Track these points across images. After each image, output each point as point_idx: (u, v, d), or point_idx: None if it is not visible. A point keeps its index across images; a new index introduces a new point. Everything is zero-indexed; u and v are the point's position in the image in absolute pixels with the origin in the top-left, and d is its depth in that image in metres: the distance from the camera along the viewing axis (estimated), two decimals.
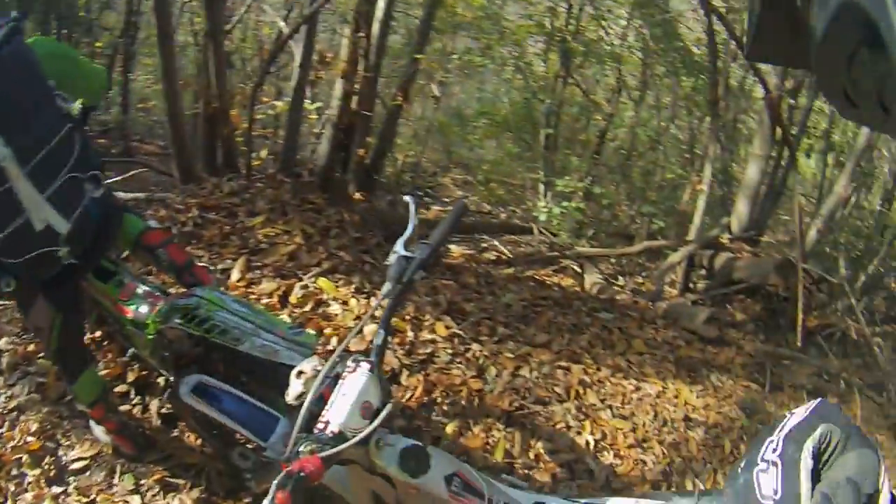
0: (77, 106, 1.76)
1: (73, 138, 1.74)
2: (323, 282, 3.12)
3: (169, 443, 2.37)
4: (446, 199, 8.37)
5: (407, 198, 1.62)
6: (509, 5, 8.24)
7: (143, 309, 1.99)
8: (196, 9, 7.18)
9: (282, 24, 5.34)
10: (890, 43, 0.35)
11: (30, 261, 1.69)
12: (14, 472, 2.18)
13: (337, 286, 3.15)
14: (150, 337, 1.90)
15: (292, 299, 2.99)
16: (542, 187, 6.54)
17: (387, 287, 1.42)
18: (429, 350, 3.03)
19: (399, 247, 1.45)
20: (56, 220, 1.69)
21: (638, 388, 3.48)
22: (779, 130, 5.54)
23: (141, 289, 2.06)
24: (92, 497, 2.18)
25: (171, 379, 2.04)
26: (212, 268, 3.04)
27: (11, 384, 2.47)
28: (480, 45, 7.72)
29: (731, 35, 5.52)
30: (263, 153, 4.79)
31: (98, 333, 2.62)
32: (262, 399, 1.79)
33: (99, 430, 2.29)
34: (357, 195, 4.43)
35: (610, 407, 3.29)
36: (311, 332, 2.05)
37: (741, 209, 5.60)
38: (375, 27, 4.13)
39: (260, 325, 1.83)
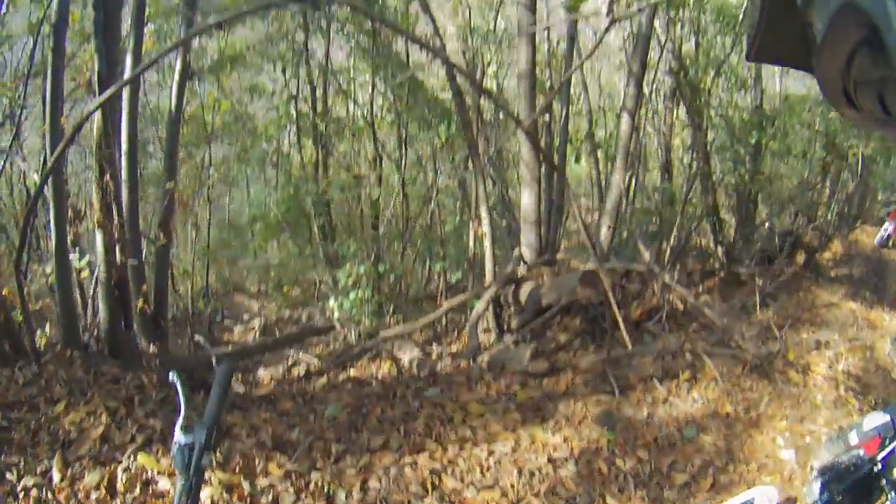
0: None
1: None
2: (143, 458, 3.06)
3: None
4: (246, 316, 8.24)
5: (171, 376, 1.65)
6: (254, 100, 8.38)
7: None
8: None
9: (36, 176, 5.06)
10: (890, 43, 0.37)
11: None
12: None
13: (158, 458, 3.08)
14: None
15: (119, 487, 2.88)
16: (330, 280, 6.53)
17: (179, 484, 1.43)
18: (270, 497, 2.94)
19: (178, 435, 1.46)
20: None
21: (491, 452, 3.48)
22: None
23: None
24: None
25: None
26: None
27: None
28: (236, 150, 7.78)
29: (471, 83, 5.95)
30: (49, 328, 4.54)
31: None
32: None
33: None
34: (151, 348, 4.39)
35: (471, 483, 3.26)
36: None
37: (528, 236, 5.87)
38: (124, 162, 4.04)
39: None
